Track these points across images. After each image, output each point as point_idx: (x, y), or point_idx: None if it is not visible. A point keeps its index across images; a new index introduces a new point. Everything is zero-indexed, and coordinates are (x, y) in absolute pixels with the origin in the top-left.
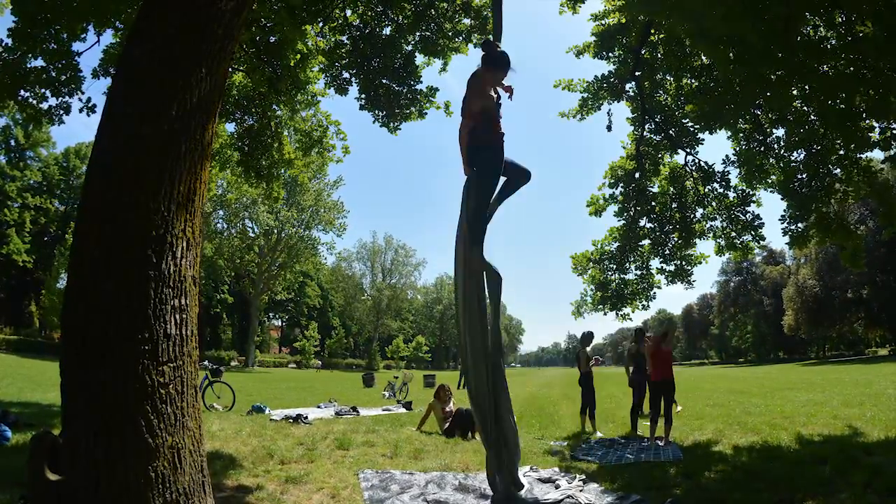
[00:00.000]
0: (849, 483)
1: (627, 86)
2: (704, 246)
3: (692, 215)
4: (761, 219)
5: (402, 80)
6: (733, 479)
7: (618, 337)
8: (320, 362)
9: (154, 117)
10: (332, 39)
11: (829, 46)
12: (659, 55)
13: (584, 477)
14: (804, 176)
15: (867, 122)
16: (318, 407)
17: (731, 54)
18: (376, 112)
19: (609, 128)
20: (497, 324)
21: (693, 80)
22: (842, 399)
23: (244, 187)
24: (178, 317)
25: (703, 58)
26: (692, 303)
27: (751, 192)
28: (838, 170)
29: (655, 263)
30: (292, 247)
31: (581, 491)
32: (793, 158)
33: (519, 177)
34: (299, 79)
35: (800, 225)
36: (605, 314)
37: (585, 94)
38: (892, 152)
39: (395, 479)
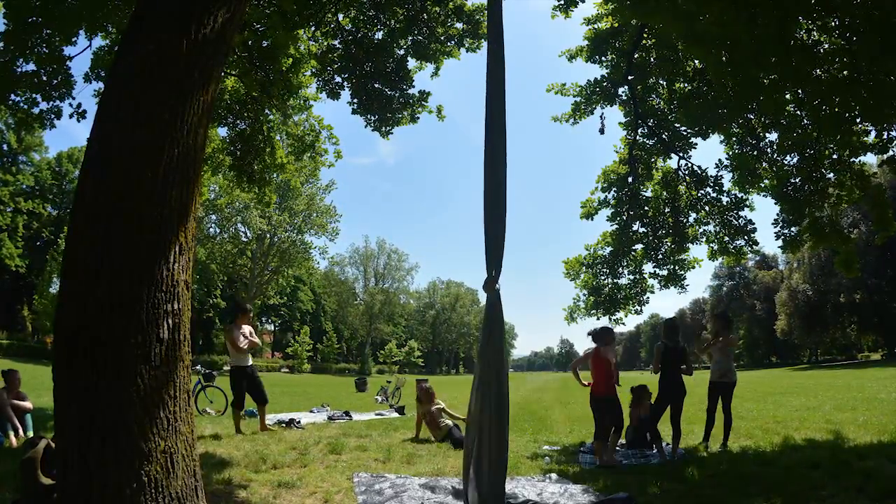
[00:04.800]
0: (842, 487)
1: (620, 90)
2: (697, 250)
3: (685, 220)
4: (754, 223)
5: (394, 84)
6: (726, 484)
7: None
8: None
9: (146, 122)
10: (325, 44)
11: (822, 51)
12: (652, 59)
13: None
14: (797, 180)
15: (862, 125)
16: (311, 411)
17: (723, 58)
18: (368, 116)
19: (602, 130)
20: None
21: (686, 85)
22: (834, 404)
23: (236, 192)
24: (170, 321)
25: (696, 62)
26: (685, 307)
27: (744, 197)
28: (832, 174)
29: (648, 268)
30: (285, 251)
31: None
32: (786, 162)
33: None
34: (291, 83)
35: (793, 229)
36: (598, 319)
37: (578, 99)
38: (887, 155)
39: (389, 482)
